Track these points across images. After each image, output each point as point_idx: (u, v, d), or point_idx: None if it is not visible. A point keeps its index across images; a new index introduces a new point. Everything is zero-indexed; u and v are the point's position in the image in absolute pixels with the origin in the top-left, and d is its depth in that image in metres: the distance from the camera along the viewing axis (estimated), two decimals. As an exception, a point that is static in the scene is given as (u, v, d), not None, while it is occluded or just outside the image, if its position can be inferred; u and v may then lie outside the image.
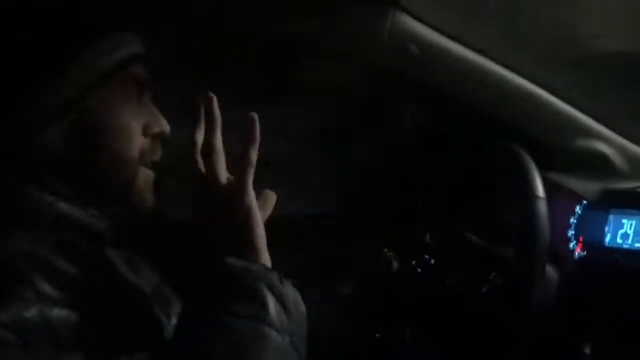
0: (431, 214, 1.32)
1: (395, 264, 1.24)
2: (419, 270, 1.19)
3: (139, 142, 0.76)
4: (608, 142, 1.28)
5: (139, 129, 0.76)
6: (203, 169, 0.70)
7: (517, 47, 1.22)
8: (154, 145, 0.78)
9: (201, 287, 0.65)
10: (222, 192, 0.69)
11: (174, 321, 0.71)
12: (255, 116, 0.69)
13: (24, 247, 0.63)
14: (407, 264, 1.23)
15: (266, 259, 0.70)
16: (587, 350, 0.95)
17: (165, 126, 0.79)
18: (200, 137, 0.71)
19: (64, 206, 0.70)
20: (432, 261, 1.17)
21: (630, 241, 1.07)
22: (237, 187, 0.69)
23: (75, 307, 0.61)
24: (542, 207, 0.92)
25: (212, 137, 0.70)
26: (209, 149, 0.70)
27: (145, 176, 0.77)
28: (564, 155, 1.28)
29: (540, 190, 0.94)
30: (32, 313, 0.58)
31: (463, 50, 1.27)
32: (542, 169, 1.02)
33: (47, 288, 0.61)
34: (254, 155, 0.69)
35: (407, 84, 1.27)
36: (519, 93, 1.30)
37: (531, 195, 0.93)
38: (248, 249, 0.68)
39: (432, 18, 1.21)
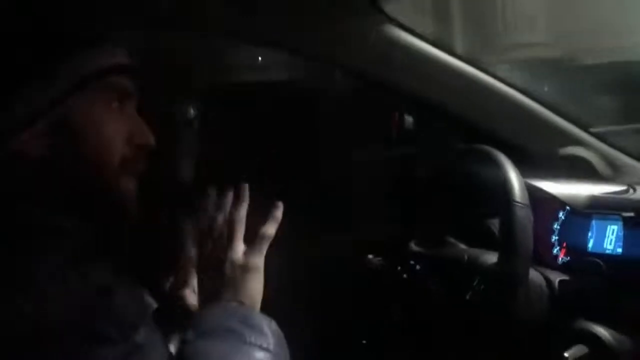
0: (415, 219, 1.32)
1: (380, 269, 1.24)
2: (404, 276, 1.19)
3: (119, 151, 0.76)
4: (589, 148, 1.30)
5: (121, 138, 0.77)
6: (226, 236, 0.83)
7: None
8: (137, 156, 0.79)
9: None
10: (238, 257, 0.81)
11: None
12: (281, 204, 0.84)
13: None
14: (393, 269, 1.22)
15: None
16: (567, 354, 0.95)
17: (149, 137, 0.80)
18: (227, 207, 0.84)
19: (48, 217, 0.70)
20: (418, 267, 1.17)
21: (612, 246, 1.08)
22: (253, 253, 0.81)
23: (57, 317, 0.61)
24: (522, 212, 0.92)
25: (238, 211, 0.84)
26: (233, 220, 0.83)
27: (127, 186, 0.78)
28: (546, 161, 1.30)
29: (519, 195, 0.94)
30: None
31: (447, 57, 1.28)
32: (526, 176, 1.03)
33: (22, 300, 0.61)
34: (273, 231, 0.83)
35: (392, 90, 1.28)
36: (502, 100, 1.31)
37: (510, 201, 0.93)
38: (247, 301, 0.79)
39: (415, 25, 1.23)
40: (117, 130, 0.77)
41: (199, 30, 1.34)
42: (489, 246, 1.10)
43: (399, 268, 1.20)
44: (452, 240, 1.17)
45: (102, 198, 0.76)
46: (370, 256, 1.27)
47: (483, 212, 1.27)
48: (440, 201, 1.30)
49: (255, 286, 0.81)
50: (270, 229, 0.83)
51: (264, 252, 0.82)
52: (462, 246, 1.14)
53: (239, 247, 0.82)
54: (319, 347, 1.31)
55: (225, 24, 1.26)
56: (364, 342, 1.26)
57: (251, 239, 0.83)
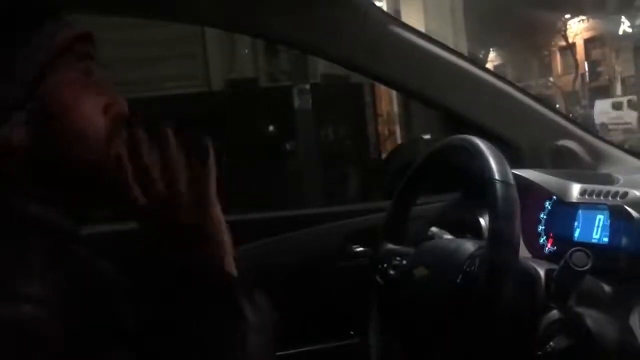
0: (399, 212, 1.31)
1: (364, 257, 1.22)
2: (391, 272, 1.17)
3: (101, 123, 0.73)
4: (576, 138, 1.31)
5: (99, 109, 0.74)
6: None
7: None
8: (116, 126, 0.75)
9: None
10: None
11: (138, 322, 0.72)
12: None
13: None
14: (376, 267, 1.21)
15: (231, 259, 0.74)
16: (552, 344, 0.95)
17: (123, 106, 0.76)
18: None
19: (34, 208, 0.69)
20: (404, 262, 1.16)
21: (598, 236, 1.08)
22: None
23: (46, 304, 0.61)
24: (504, 189, 0.86)
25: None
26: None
27: (115, 157, 0.73)
28: (533, 152, 1.30)
29: (498, 173, 0.88)
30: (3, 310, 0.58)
31: (434, 47, 1.28)
32: (512, 166, 1.03)
33: (20, 285, 0.60)
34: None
35: (379, 79, 1.28)
36: (489, 91, 1.31)
37: (490, 180, 0.87)
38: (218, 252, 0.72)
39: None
40: (96, 102, 0.74)
41: (185, 19, 1.33)
42: (478, 238, 1.10)
43: (385, 265, 1.18)
44: (437, 230, 1.16)
45: (91, 174, 0.72)
46: (354, 246, 1.26)
47: (470, 204, 1.26)
48: (426, 194, 1.29)
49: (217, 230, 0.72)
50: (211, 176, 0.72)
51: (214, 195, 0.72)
52: (449, 236, 1.13)
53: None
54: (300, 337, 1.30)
55: (208, 12, 1.25)
56: (352, 332, 1.25)
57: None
